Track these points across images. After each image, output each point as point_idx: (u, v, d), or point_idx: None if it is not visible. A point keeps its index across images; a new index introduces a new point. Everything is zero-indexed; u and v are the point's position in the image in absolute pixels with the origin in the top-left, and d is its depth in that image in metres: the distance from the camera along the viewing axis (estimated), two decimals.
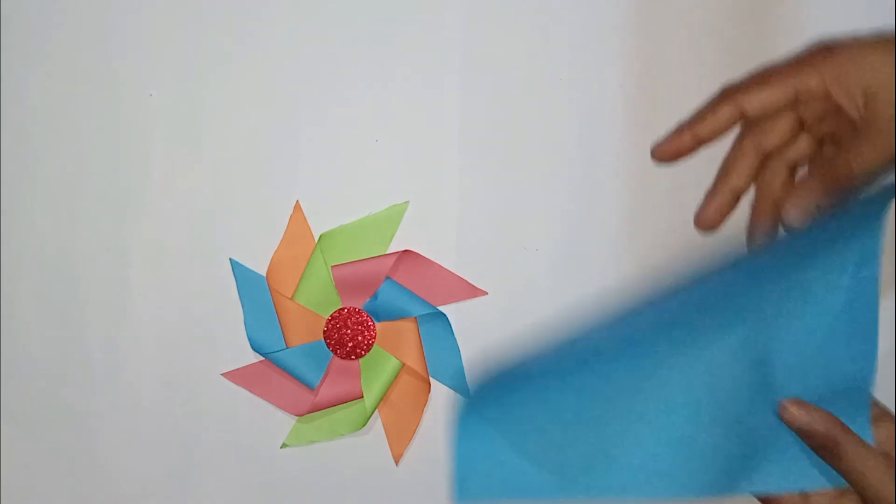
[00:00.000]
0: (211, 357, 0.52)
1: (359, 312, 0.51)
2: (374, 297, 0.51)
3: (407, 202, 0.51)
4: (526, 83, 0.51)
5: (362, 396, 0.51)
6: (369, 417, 0.51)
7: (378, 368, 0.51)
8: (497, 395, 0.40)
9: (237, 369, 0.52)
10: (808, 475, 0.40)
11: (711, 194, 0.40)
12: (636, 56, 0.51)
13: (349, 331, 0.51)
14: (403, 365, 0.51)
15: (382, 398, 0.51)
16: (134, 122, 0.51)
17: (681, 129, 0.39)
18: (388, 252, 0.51)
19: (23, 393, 0.52)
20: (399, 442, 0.52)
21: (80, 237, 0.52)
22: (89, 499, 0.53)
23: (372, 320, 0.51)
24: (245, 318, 0.52)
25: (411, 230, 0.51)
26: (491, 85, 0.51)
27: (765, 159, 0.40)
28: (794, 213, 0.38)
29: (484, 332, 0.51)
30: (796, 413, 0.39)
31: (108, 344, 0.52)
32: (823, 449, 0.39)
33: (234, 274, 0.52)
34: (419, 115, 0.51)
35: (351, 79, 0.51)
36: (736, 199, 0.40)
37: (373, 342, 0.51)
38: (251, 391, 0.52)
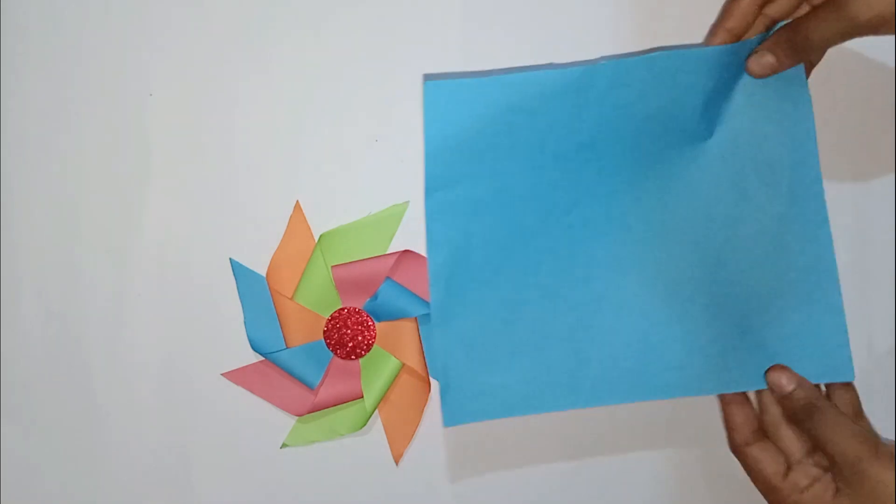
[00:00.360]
0: (211, 357, 0.52)
1: (359, 312, 0.51)
2: (374, 297, 0.51)
3: (407, 202, 0.51)
4: None
5: (362, 396, 0.51)
6: (369, 417, 0.51)
7: (378, 368, 0.51)
8: (466, 316, 0.45)
9: (237, 369, 0.52)
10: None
11: (710, 35, 0.45)
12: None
13: (349, 331, 0.51)
14: (403, 365, 0.51)
15: (382, 398, 0.51)
16: (134, 122, 0.51)
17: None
18: (388, 252, 0.51)
19: (23, 393, 0.52)
20: (399, 442, 0.52)
21: (80, 237, 0.52)
22: (89, 499, 0.53)
23: (372, 320, 0.51)
24: (245, 318, 0.51)
25: (411, 230, 0.51)
26: None
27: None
28: (755, 65, 0.43)
29: None
30: (784, 382, 0.43)
31: (108, 344, 0.52)
32: (803, 412, 0.42)
33: (234, 274, 0.52)
34: (419, 115, 0.51)
35: (351, 78, 0.51)
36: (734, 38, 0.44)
37: (373, 342, 0.51)
38: (251, 391, 0.52)
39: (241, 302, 0.52)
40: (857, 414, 0.45)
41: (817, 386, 0.44)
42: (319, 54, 0.51)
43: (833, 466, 0.42)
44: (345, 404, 0.52)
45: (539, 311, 0.46)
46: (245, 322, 0.51)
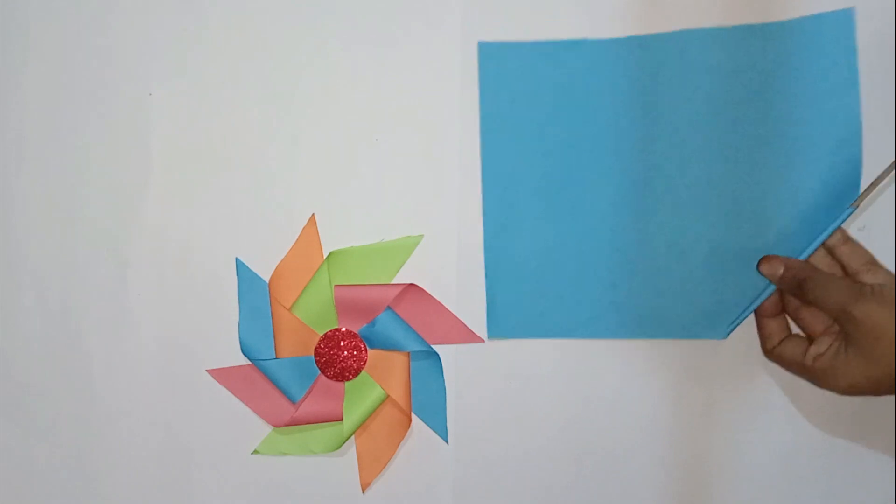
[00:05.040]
0: (211, 358, 0.52)
1: (353, 335, 0.51)
2: (372, 323, 0.51)
3: (421, 235, 0.51)
4: None
5: (342, 419, 0.51)
6: (345, 441, 0.51)
7: (362, 395, 0.51)
8: (520, 245, 0.50)
9: (222, 368, 0.52)
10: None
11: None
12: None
13: (341, 352, 0.51)
14: (388, 396, 0.50)
15: (361, 425, 0.51)
16: (134, 122, 0.51)
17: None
18: (393, 282, 0.51)
19: (23, 393, 0.53)
20: (369, 470, 0.52)
21: (80, 237, 0.52)
22: (89, 498, 0.53)
23: (365, 345, 0.51)
24: (240, 320, 0.51)
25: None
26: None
27: None
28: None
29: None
30: (774, 267, 0.47)
31: (109, 344, 0.52)
32: (798, 287, 0.46)
33: (237, 273, 0.51)
34: (419, 115, 0.51)
35: (352, 78, 0.51)
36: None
37: (362, 367, 0.51)
38: (233, 393, 0.52)
39: (239, 303, 0.51)
40: (871, 262, 0.47)
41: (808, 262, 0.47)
42: (320, 54, 0.51)
43: (835, 324, 0.46)
44: (323, 423, 0.51)
45: (580, 248, 0.50)
46: (239, 324, 0.51)
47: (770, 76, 0.48)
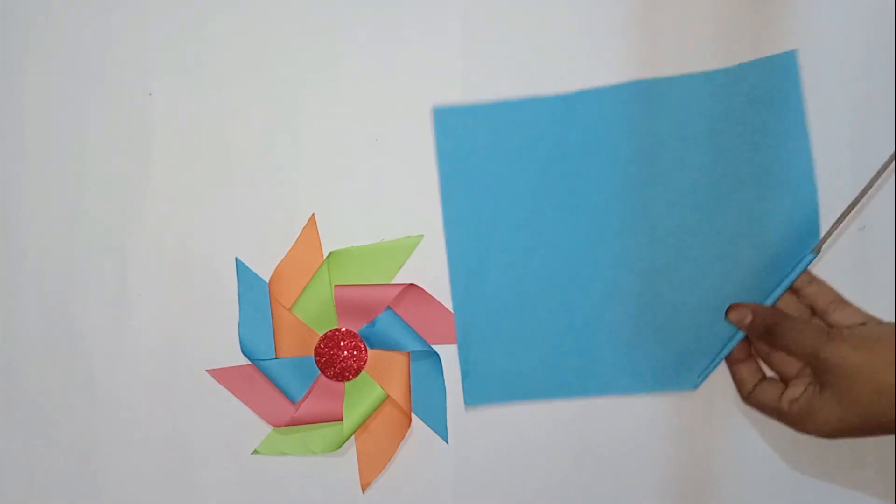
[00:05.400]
0: (211, 358, 0.52)
1: (353, 335, 0.51)
2: (372, 323, 0.51)
3: (421, 235, 0.51)
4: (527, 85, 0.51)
5: (342, 419, 0.51)
6: (345, 441, 0.51)
7: (362, 395, 0.51)
8: (489, 310, 0.50)
9: (222, 368, 0.52)
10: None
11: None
12: (637, 66, 0.50)
13: (341, 352, 0.51)
14: (388, 396, 0.50)
15: (361, 425, 0.51)
16: (134, 122, 0.51)
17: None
18: (393, 282, 0.51)
19: (23, 393, 0.53)
20: (370, 470, 0.52)
21: (80, 237, 0.52)
22: (89, 498, 0.53)
23: (365, 345, 0.51)
24: (240, 320, 0.51)
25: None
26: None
27: None
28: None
29: None
30: (742, 315, 0.47)
31: (109, 344, 0.52)
32: (767, 334, 0.45)
33: (237, 274, 0.51)
34: (420, 115, 0.50)
35: (353, 77, 0.51)
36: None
37: (362, 367, 0.51)
38: (233, 393, 0.52)
39: (239, 303, 0.51)
40: (837, 301, 0.47)
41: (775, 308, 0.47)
42: (320, 54, 0.51)
43: (809, 368, 0.45)
44: (323, 423, 0.51)
45: (548, 309, 0.50)
46: (239, 324, 0.51)
47: (721, 122, 0.48)
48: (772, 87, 0.48)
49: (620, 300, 0.49)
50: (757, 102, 0.48)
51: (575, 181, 0.49)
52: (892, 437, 0.49)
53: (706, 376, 0.50)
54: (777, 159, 0.48)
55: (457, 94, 0.50)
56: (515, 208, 0.50)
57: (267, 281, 0.51)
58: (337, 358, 0.51)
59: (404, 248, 0.51)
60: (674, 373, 0.50)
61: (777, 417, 0.46)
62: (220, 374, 0.52)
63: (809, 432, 0.44)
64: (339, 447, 0.51)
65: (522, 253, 0.50)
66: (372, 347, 0.51)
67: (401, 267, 0.51)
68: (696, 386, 0.50)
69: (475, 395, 0.51)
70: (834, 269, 0.49)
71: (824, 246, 0.47)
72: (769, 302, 0.47)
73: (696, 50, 0.49)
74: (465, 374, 0.51)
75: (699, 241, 0.49)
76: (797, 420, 0.44)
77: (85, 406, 0.53)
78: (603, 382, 0.50)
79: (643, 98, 0.48)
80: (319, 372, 0.51)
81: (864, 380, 0.41)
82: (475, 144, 0.49)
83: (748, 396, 0.48)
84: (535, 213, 0.50)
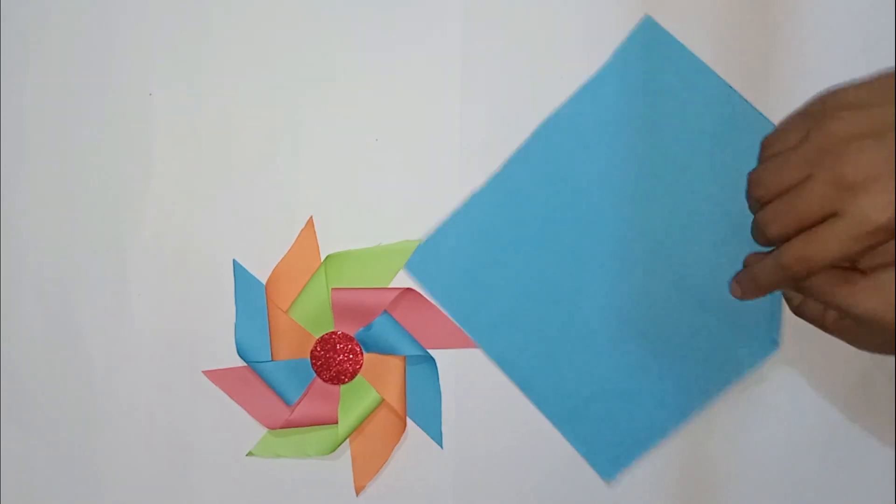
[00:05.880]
0: (211, 358, 0.52)
1: (350, 339, 0.51)
2: (368, 327, 0.50)
3: (420, 239, 0.51)
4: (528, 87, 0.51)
5: (337, 422, 0.51)
6: (340, 444, 0.51)
7: (358, 398, 0.51)
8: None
9: (218, 370, 0.52)
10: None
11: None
12: None
13: (337, 355, 0.51)
14: (383, 400, 0.50)
15: (356, 428, 0.51)
16: (134, 122, 0.51)
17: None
18: (390, 286, 0.51)
19: (23, 393, 0.52)
20: (364, 474, 0.52)
21: (80, 237, 0.52)
22: (88, 498, 0.53)
23: (361, 349, 0.51)
24: (236, 321, 0.51)
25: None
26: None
27: None
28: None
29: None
30: (733, 287, 0.44)
31: (108, 344, 0.52)
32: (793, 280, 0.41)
33: (234, 275, 0.51)
34: (420, 115, 0.51)
35: (353, 77, 0.51)
36: None
37: (358, 371, 0.51)
38: (228, 394, 0.52)
39: (236, 305, 0.51)
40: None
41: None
42: (320, 55, 0.50)
43: None
44: (318, 426, 0.51)
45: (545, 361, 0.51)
46: (235, 325, 0.51)
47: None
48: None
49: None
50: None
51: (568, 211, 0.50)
52: (892, 436, 0.49)
53: (622, 469, 0.51)
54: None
55: (457, 95, 0.50)
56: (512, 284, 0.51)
57: (264, 283, 0.51)
58: (333, 361, 0.51)
59: (402, 251, 0.51)
60: (598, 458, 0.51)
61: (825, 331, 0.43)
62: (216, 376, 0.52)
63: (859, 348, 0.42)
64: (334, 450, 0.51)
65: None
66: (368, 351, 0.51)
67: (398, 271, 0.51)
68: (613, 476, 0.51)
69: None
70: None
71: None
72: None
73: (695, 50, 0.49)
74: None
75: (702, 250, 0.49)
76: (843, 336, 0.42)
77: (83, 405, 0.52)
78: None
79: (638, 97, 0.49)
80: (315, 375, 0.51)
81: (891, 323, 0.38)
82: (450, 262, 0.51)
83: (796, 309, 0.45)
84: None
